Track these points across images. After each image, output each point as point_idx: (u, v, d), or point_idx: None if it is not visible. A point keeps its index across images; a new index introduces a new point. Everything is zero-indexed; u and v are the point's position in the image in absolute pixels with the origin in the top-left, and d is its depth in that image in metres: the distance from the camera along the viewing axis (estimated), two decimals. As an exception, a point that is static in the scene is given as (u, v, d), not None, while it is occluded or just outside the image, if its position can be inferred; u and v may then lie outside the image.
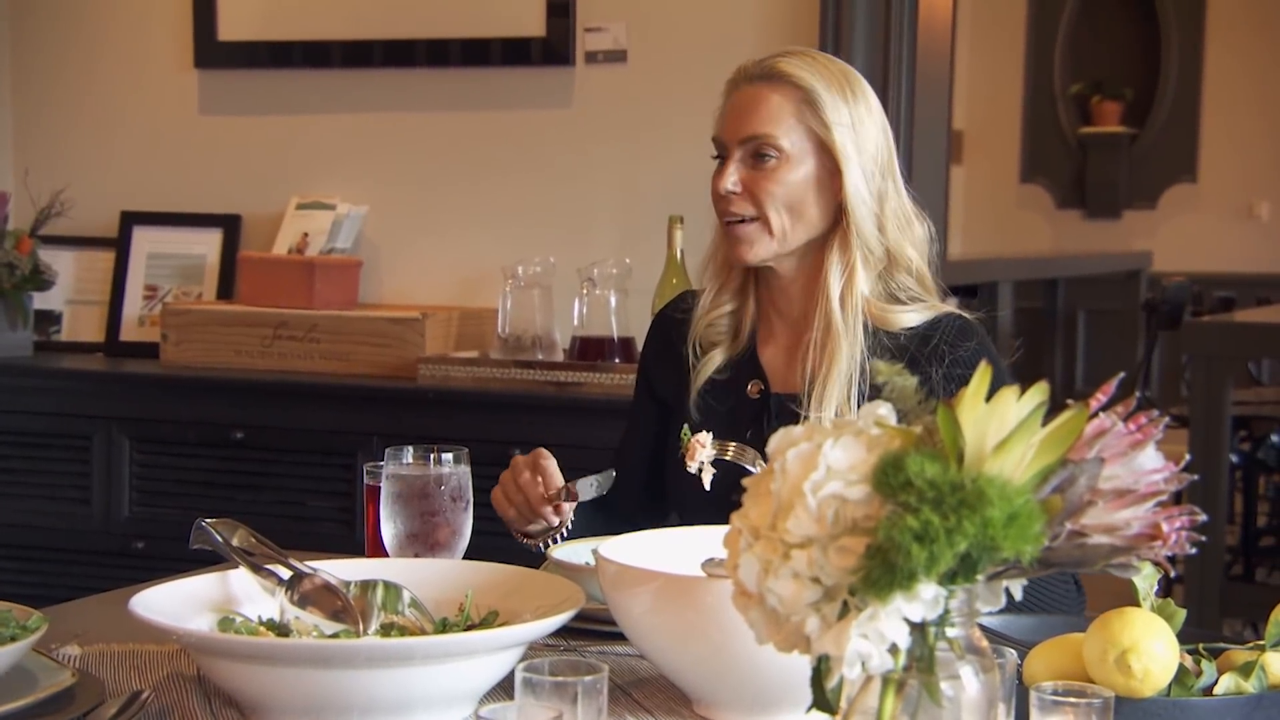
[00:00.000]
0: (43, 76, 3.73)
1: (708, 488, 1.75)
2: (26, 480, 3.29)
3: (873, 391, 1.79)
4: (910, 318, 1.84)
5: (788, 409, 1.85)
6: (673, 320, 1.98)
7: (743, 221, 1.84)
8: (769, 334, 1.93)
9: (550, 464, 1.79)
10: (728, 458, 1.77)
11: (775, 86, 1.83)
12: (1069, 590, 1.76)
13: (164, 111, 3.63)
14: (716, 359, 1.91)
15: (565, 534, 1.80)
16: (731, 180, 1.84)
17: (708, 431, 1.78)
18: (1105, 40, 8.43)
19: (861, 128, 1.83)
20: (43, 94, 3.73)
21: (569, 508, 1.79)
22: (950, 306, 1.88)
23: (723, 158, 1.87)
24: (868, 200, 1.82)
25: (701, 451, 1.74)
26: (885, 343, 1.83)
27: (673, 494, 1.93)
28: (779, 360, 1.91)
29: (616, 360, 3.04)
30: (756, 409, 1.89)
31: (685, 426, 1.81)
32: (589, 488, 1.76)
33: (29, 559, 3.27)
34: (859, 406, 1.53)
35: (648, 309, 2.95)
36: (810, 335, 1.84)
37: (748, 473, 1.72)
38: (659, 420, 1.99)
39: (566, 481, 1.77)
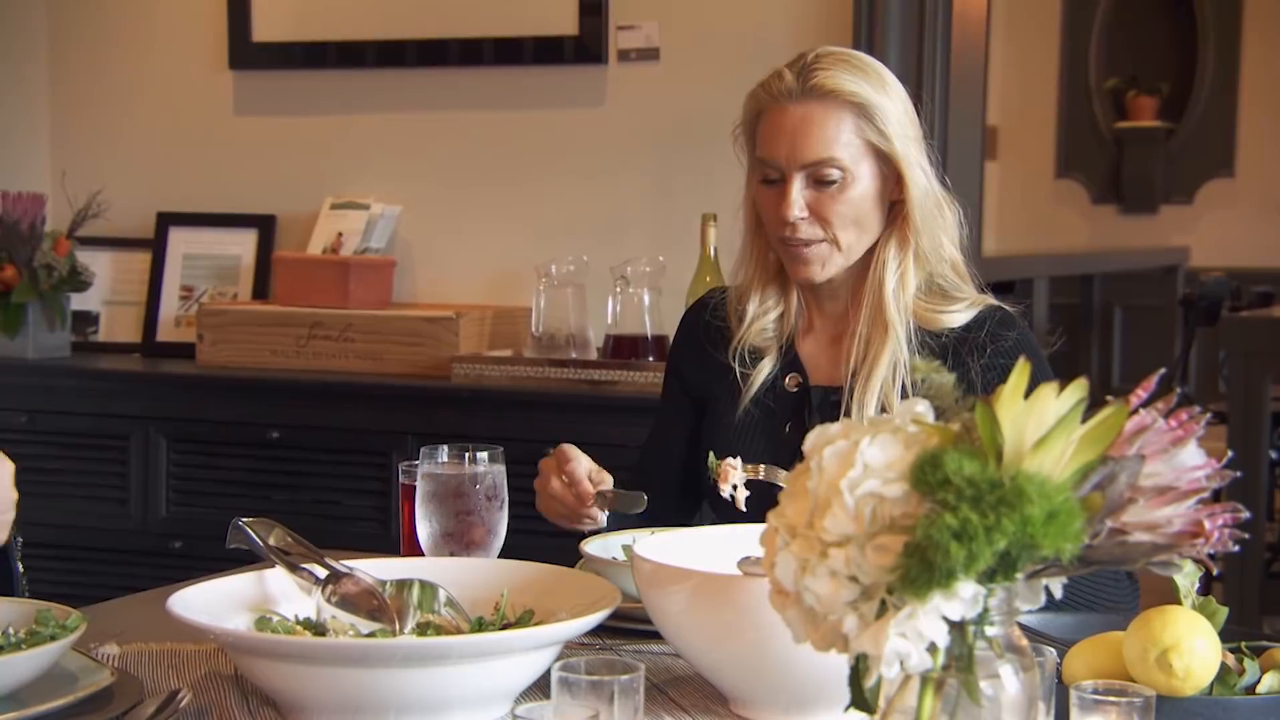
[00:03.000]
0: (79, 79, 3.76)
1: (744, 509, 1.73)
2: (65, 480, 3.31)
3: (913, 387, 1.77)
4: (956, 318, 1.83)
5: (828, 401, 1.84)
6: (706, 324, 1.96)
7: (809, 244, 1.83)
8: (808, 327, 1.92)
9: (574, 467, 1.77)
10: (761, 478, 1.75)
11: (827, 104, 1.79)
12: (1120, 582, 1.74)
13: (199, 113, 3.65)
14: (767, 366, 1.89)
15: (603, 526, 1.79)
16: (799, 207, 1.80)
17: (736, 455, 1.77)
18: (1140, 34, 8.37)
19: (907, 117, 1.81)
20: (79, 96, 3.76)
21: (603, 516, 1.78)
22: (990, 299, 1.87)
23: (779, 181, 1.82)
24: (930, 192, 1.82)
25: (734, 474, 1.73)
26: (928, 340, 1.81)
27: (712, 496, 1.91)
28: (818, 353, 1.90)
29: (650, 358, 3.04)
30: (796, 402, 1.88)
31: (711, 453, 1.79)
32: (624, 503, 1.75)
33: (67, 559, 3.29)
34: (901, 401, 1.52)
35: (681, 307, 2.93)
36: (854, 328, 1.83)
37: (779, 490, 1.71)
38: (694, 419, 1.97)
39: (599, 488, 1.76)
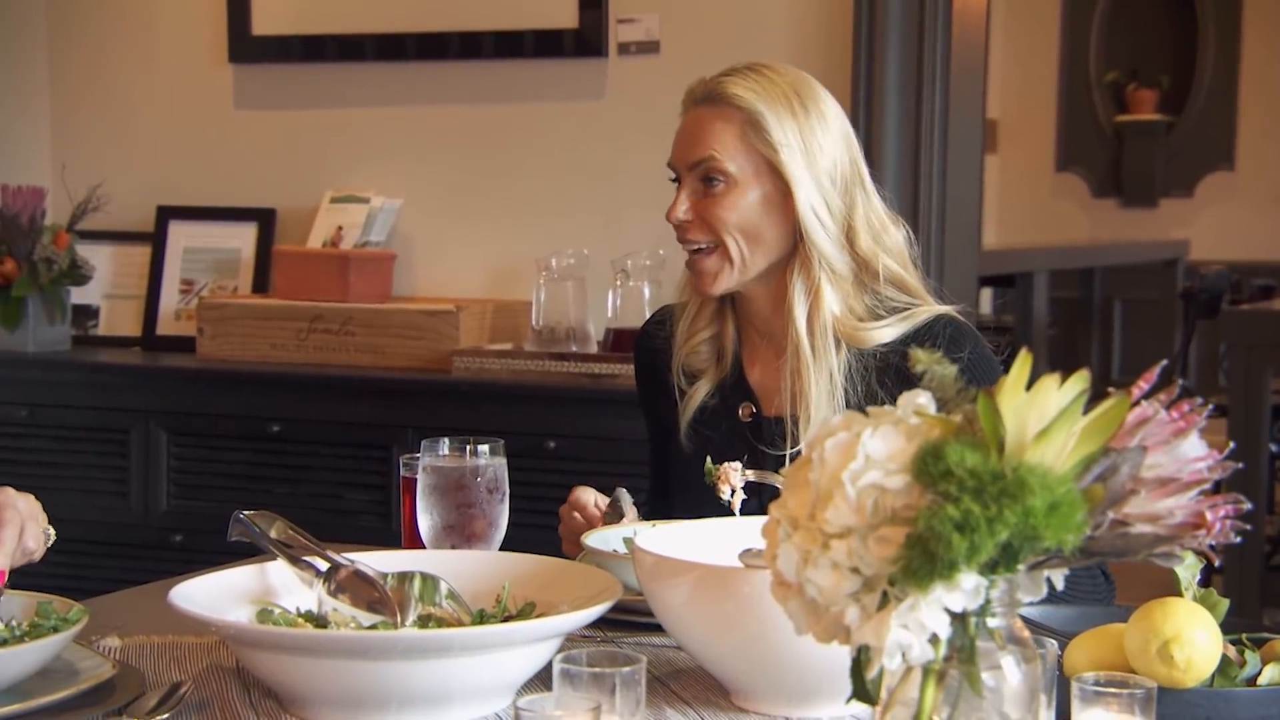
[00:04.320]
0: (79, 72, 3.75)
1: (738, 514, 1.73)
2: (65, 474, 3.31)
3: (900, 382, 1.76)
4: (885, 333, 1.79)
5: (780, 432, 1.83)
6: (653, 349, 1.96)
7: (701, 251, 1.82)
8: (754, 354, 1.90)
9: (580, 495, 1.77)
10: (760, 481, 1.74)
11: (719, 110, 1.80)
12: (1096, 579, 1.74)
13: (199, 106, 3.65)
14: (704, 388, 1.89)
15: None
16: (683, 209, 1.82)
17: (694, 483, 1.76)
18: (1141, 27, 8.36)
19: (813, 143, 1.79)
20: (79, 90, 3.76)
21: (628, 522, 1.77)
22: (938, 308, 1.83)
23: (677, 184, 1.85)
24: (826, 220, 1.79)
25: (734, 477, 1.73)
26: (867, 361, 1.79)
27: (681, 513, 1.90)
28: (767, 381, 1.88)
29: (651, 352, 3.04)
30: (749, 432, 1.87)
31: (708, 458, 1.77)
32: (623, 507, 1.75)
33: (68, 552, 3.25)
34: None
35: (682, 300, 2.95)
36: (785, 359, 1.82)
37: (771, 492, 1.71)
38: (659, 444, 1.98)
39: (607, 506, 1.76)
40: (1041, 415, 0.87)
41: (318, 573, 1.43)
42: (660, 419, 1.97)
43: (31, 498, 1.50)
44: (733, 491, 1.72)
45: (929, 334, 1.79)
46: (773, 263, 1.82)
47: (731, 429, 1.87)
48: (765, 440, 1.84)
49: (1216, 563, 1.16)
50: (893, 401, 0.93)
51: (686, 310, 1.91)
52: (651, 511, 1.92)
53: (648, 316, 3.04)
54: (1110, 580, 1.77)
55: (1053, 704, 0.98)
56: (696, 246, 1.82)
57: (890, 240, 1.83)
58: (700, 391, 1.89)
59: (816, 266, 1.79)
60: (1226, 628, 1.24)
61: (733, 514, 1.72)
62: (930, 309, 1.82)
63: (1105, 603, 1.71)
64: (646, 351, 1.99)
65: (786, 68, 1.85)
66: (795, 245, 1.81)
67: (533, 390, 3.03)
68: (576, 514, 1.78)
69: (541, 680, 1.31)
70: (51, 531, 1.52)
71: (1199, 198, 8.32)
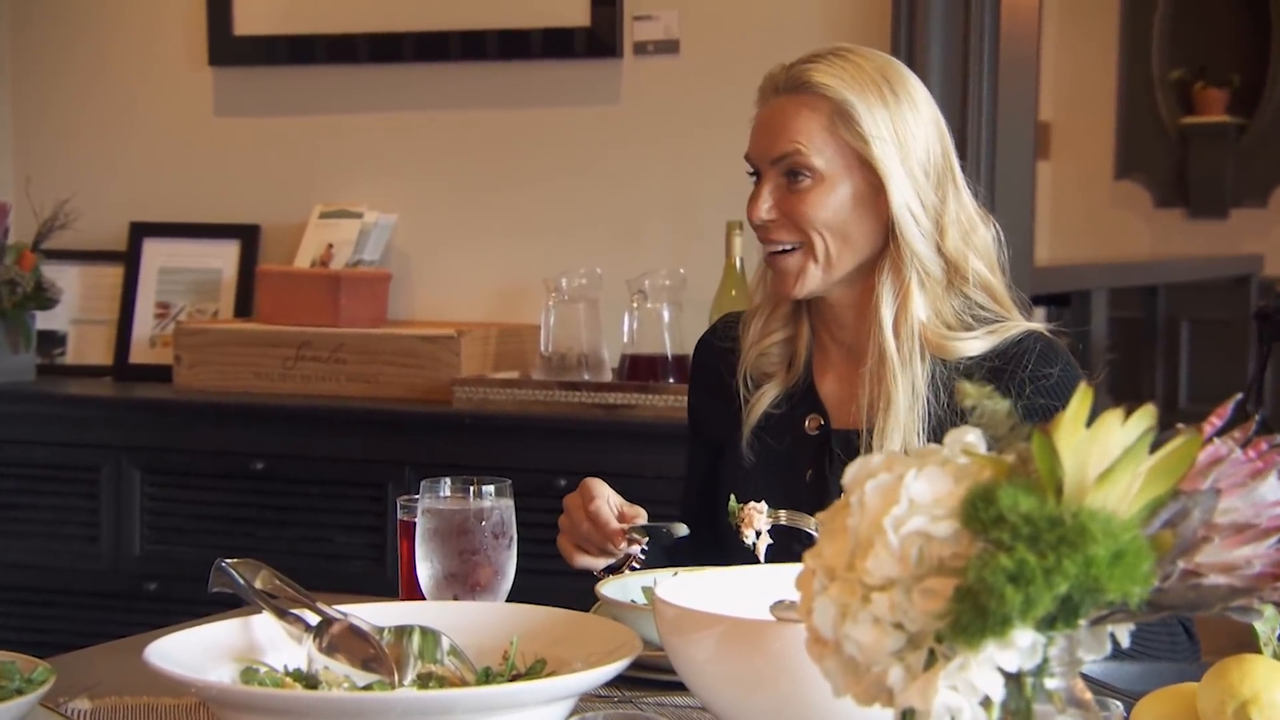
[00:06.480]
0: (45, 77, 3.78)
1: (762, 559, 1.72)
2: (29, 516, 3.32)
3: (936, 428, 1.77)
4: (973, 345, 1.80)
5: (851, 445, 1.84)
6: (719, 350, 1.97)
7: (785, 252, 1.83)
8: (826, 363, 1.92)
9: (599, 505, 1.77)
10: (785, 524, 1.74)
11: (804, 99, 1.81)
12: (1176, 637, 1.73)
13: (176, 113, 3.67)
14: (770, 394, 1.90)
15: (638, 567, 1.78)
16: (765, 207, 1.83)
17: (751, 500, 1.76)
18: (1209, 20, 8.36)
19: (906, 133, 1.80)
20: (45, 96, 3.78)
21: (636, 549, 1.78)
22: (1028, 323, 1.84)
23: (757, 178, 1.86)
24: (920, 217, 1.80)
25: (759, 520, 1.73)
26: (952, 374, 1.79)
27: (727, 542, 1.90)
28: (839, 392, 1.89)
29: (670, 380, 3.04)
30: (816, 446, 1.88)
31: (732, 497, 1.78)
32: (659, 536, 1.75)
33: (33, 603, 3.30)
34: (925, 443, 1.51)
35: (704, 324, 2.94)
36: (866, 366, 1.83)
37: (806, 538, 1.71)
38: (709, 459, 1.98)
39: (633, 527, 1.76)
40: (1104, 455, 0.86)
41: (307, 627, 1.43)
42: (712, 430, 1.97)
43: None
44: (757, 534, 1.72)
45: (1018, 349, 1.81)
46: (860, 264, 1.84)
47: (796, 441, 1.88)
48: (833, 455, 1.85)
49: (1298, 615, 1.14)
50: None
51: (759, 311, 1.92)
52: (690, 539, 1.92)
53: (666, 342, 3.10)
54: (1195, 638, 1.75)
55: (1118, 773, 0.97)
56: (782, 248, 1.83)
57: (979, 240, 1.84)
58: (766, 397, 1.90)
59: (908, 267, 1.80)
60: (1310, 687, 1.23)
61: (757, 559, 1.72)
62: (1020, 324, 1.84)
63: (1188, 660, 1.70)
64: (712, 350, 2.00)
65: (871, 51, 1.87)
66: (885, 245, 1.82)
67: (541, 423, 3.03)
68: (584, 517, 1.78)
69: (553, 745, 1.31)
70: None
71: (1273, 208, 8.31)
